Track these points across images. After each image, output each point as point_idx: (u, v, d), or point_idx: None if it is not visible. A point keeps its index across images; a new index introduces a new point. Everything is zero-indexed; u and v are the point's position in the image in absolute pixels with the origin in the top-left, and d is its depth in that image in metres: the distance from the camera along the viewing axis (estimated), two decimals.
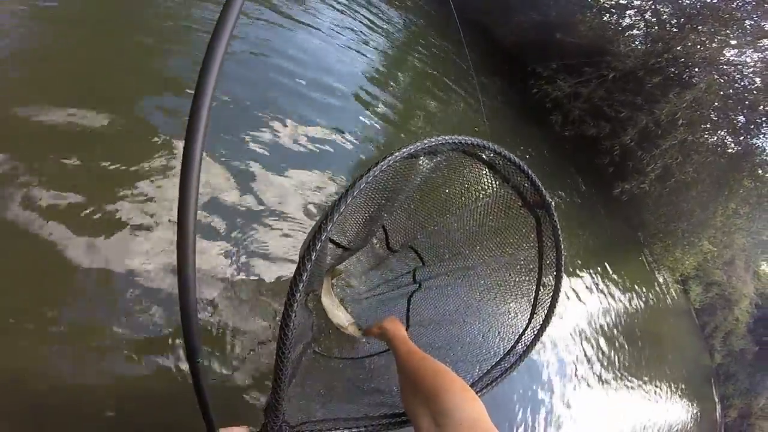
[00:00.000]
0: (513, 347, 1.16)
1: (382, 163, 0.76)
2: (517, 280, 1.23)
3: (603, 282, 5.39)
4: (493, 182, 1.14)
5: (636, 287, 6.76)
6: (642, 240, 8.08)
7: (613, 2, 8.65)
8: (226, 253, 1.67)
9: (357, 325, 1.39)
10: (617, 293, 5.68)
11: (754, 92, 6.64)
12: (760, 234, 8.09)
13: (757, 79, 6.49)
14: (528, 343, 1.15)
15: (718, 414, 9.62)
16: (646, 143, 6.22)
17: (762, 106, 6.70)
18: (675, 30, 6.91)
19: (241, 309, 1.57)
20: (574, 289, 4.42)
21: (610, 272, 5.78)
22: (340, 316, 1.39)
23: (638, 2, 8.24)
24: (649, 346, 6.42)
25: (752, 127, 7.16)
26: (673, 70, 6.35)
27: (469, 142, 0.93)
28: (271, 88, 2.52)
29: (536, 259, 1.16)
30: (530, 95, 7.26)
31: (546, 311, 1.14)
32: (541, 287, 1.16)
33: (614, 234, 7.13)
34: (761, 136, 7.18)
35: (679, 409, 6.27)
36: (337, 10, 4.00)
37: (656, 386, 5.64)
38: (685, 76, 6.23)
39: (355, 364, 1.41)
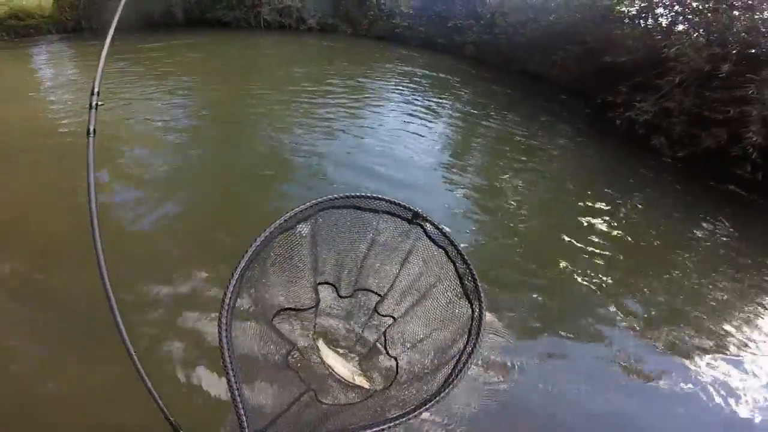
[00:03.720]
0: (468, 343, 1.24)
1: (260, 239, 1.09)
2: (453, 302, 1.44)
3: None
4: (394, 224, 1.48)
5: None
6: None
7: (636, 7, 8.22)
8: None
9: (364, 376, 1.55)
10: None
11: None
12: None
13: None
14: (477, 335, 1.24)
15: None
16: None
17: None
18: (710, 15, 6.60)
19: None
20: None
21: None
22: (344, 371, 1.56)
23: None
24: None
25: None
26: (739, 49, 6.02)
27: (329, 199, 1.29)
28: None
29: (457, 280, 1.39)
30: (614, 127, 6.64)
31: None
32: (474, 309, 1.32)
33: None
34: None
35: None
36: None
37: None
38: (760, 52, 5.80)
39: (361, 407, 1.43)
